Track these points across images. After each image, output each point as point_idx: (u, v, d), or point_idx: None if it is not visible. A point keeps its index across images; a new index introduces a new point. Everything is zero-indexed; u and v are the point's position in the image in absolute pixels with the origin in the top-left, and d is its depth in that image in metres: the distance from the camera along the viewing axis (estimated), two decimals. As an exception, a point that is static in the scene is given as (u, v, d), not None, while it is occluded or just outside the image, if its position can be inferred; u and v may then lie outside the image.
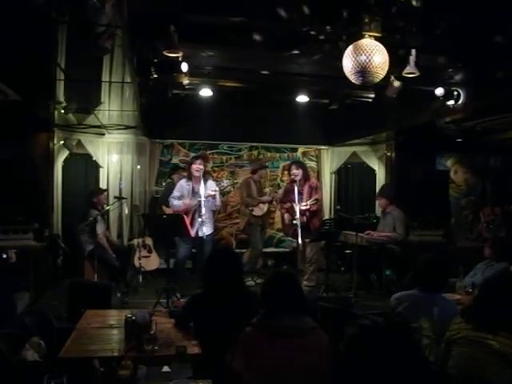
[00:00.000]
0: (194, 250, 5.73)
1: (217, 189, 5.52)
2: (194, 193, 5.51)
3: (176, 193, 5.63)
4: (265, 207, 6.67)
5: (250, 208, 6.64)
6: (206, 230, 5.31)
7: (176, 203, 5.56)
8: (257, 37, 3.87)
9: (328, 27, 3.64)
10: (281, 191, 7.53)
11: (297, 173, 5.75)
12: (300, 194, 5.64)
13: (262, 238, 6.87)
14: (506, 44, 3.63)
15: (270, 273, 2.39)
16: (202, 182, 5.31)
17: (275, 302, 2.13)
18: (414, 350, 1.62)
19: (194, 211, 5.45)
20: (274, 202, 7.55)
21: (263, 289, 2.22)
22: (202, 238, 5.17)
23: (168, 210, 6.21)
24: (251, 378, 1.98)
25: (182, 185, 5.64)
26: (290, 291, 2.16)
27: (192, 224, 5.39)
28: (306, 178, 5.84)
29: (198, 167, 5.45)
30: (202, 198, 5.16)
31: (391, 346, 1.49)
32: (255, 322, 2.12)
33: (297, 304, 2.12)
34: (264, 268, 7.16)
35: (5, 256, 4.35)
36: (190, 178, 5.56)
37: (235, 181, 7.96)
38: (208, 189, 5.41)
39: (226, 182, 6.69)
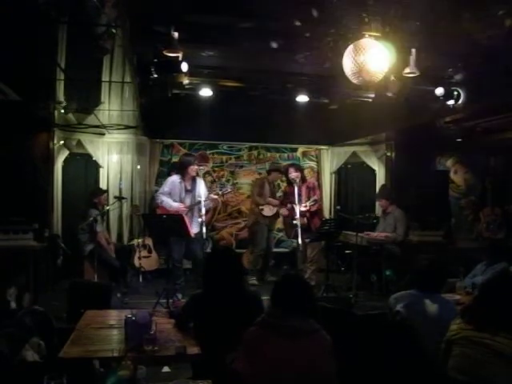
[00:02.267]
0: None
1: (206, 191, 5.51)
2: (187, 191, 5.48)
3: (166, 188, 5.52)
4: (274, 209, 6.66)
5: (260, 207, 6.66)
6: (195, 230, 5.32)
7: (165, 201, 5.41)
8: (256, 37, 3.86)
9: (328, 27, 3.64)
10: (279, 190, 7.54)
11: (296, 175, 5.86)
12: (299, 195, 5.67)
13: (272, 238, 6.95)
14: (506, 44, 3.63)
15: (282, 274, 2.39)
16: (201, 182, 5.31)
17: (283, 303, 2.12)
18: (415, 350, 1.62)
19: (191, 211, 5.46)
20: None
21: (274, 288, 2.21)
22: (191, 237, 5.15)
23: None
24: (252, 377, 1.97)
25: (174, 181, 5.53)
26: (300, 294, 2.14)
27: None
28: (303, 179, 5.96)
29: (197, 169, 5.50)
30: (203, 198, 5.16)
31: (392, 346, 1.49)
32: (260, 320, 2.12)
33: (304, 308, 2.11)
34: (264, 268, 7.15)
35: None
36: (183, 176, 5.51)
37: (235, 181, 7.98)
38: (201, 188, 5.41)
39: (229, 188, 6.72)
